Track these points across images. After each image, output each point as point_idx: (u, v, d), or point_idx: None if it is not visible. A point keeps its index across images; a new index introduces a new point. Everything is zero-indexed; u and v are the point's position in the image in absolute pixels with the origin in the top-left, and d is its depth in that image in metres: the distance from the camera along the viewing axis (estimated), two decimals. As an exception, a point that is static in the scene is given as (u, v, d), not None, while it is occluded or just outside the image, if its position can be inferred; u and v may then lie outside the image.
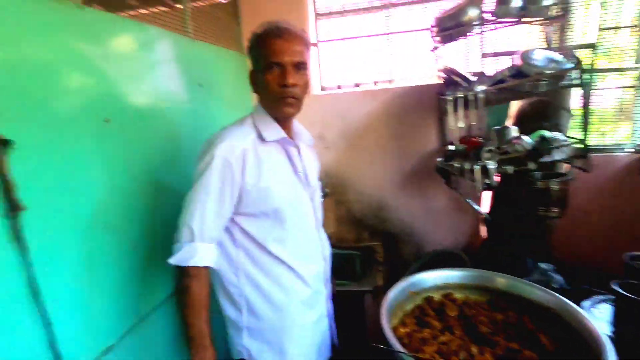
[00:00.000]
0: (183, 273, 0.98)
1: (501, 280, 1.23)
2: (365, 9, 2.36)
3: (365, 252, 2.54)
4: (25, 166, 0.91)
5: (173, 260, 0.98)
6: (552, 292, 1.12)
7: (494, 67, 2.15)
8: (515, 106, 2.20)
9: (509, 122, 2.26)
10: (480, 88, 1.74)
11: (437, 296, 1.25)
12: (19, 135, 0.90)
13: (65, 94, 1.06)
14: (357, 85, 2.50)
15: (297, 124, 1.22)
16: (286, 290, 1.11)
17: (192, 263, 0.97)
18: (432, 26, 1.96)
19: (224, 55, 2.01)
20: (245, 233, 1.07)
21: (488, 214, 2.11)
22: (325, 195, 2.58)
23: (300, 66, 1.03)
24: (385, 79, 2.47)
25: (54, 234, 0.99)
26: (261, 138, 1.06)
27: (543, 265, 1.78)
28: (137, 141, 1.32)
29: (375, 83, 2.49)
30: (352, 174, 2.54)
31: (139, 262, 1.29)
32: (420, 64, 2.36)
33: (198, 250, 0.98)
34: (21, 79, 0.93)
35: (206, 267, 1.00)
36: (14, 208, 0.89)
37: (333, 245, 2.53)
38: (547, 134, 1.84)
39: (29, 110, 0.94)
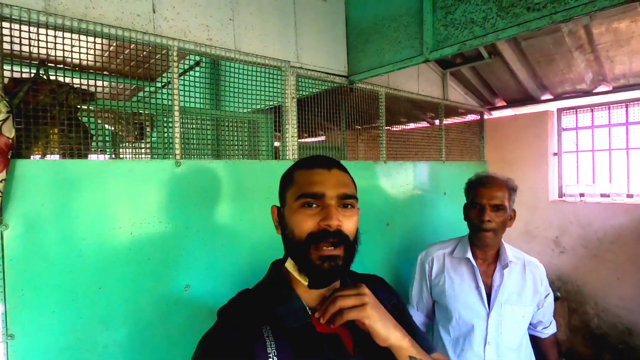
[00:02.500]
0: None
1: None
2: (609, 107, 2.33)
3: (603, 377, 2.30)
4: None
5: None
6: None
7: None
8: None
9: None
10: None
11: None
12: (352, 235, 1.80)
13: (369, 210, 1.94)
14: (604, 196, 2.42)
15: (506, 248, 1.47)
16: None
17: None
18: None
19: (466, 167, 2.59)
20: (437, 313, 1.54)
21: None
22: (556, 299, 2.56)
23: (499, 208, 1.37)
24: (644, 193, 2.28)
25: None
26: (451, 252, 1.51)
27: None
28: (400, 232, 2.08)
29: (629, 196, 2.33)
30: (592, 285, 2.41)
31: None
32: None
33: (411, 312, 1.55)
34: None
35: None
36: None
37: (561, 354, 2.47)
38: None
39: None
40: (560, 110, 2.62)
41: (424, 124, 2.58)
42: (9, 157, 0.96)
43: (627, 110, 2.34)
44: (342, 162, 1.98)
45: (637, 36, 1.85)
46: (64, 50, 1.09)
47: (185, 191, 1.30)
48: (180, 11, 1.32)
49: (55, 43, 1.06)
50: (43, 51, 1.04)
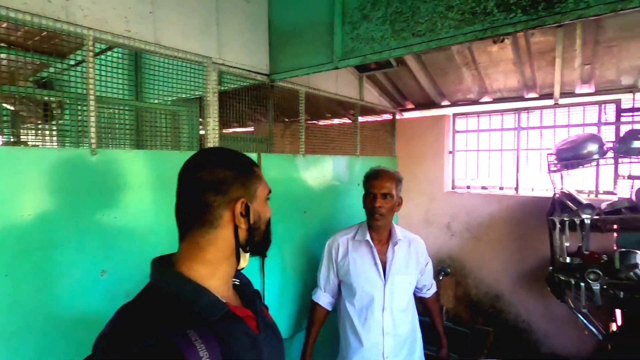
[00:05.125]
0: (311, 303, 1.82)
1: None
2: (498, 113, 2.85)
3: (477, 334, 2.83)
4: (271, 237, 1.97)
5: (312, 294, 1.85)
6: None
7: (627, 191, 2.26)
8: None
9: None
10: (586, 216, 1.99)
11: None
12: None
13: (288, 200, 2.12)
14: (484, 188, 2.95)
15: (395, 229, 1.76)
16: (348, 339, 1.73)
17: (314, 298, 1.82)
18: (550, 154, 2.30)
19: (378, 162, 2.91)
20: (343, 291, 1.79)
21: (614, 332, 2.15)
22: (446, 274, 3.04)
23: (387, 195, 1.63)
24: (510, 186, 2.84)
25: (274, 270, 2.01)
26: (353, 237, 1.77)
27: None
28: (317, 220, 2.31)
29: (500, 188, 2.88)
30: (473, 262, 2.93)
31: (306, 289, 2.22)
32: (545, 177, 2.63)
33: (318, 293, 1.81)
34: (277, 194, 2.01)
35: (321, 305, 1.79)
36: (263, 256, 1.94)
37: (448, 319, 2.93)
38: (669, 268, 1.87)
39: (274, 210, 2.01)
40: (455, 115, 3.08)
41: (342, 121, 2.83)
42: None
43: (502, 119, 2.86)
44: (266, 155, 2.12)
45: (505, 60, 2.29)
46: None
47: (101, 180, 1.33)
48: (96, 1, 1.33)
49: (-48, 24, 1.02)
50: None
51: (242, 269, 0.80)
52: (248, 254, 0.78)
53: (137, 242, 1.43)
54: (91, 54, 1.30)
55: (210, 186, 0.71)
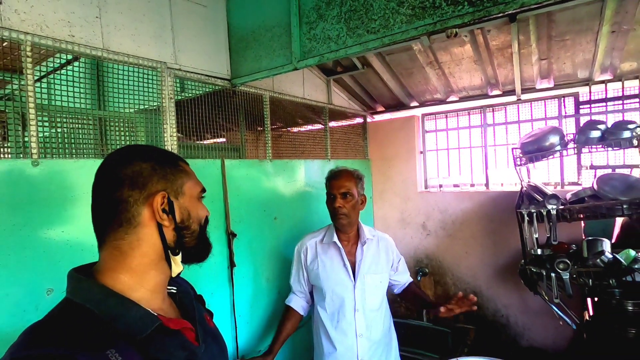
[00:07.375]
0: (284, 307, 1.77)
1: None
2: (464, 113, 2.90)
3: (458, 332, 2.81)
4: (238, 244, 1.90)
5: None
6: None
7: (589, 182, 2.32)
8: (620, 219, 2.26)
9: (615, 234, 2.32)
10: (551, 206, 2.02)
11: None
12: (238, 230, 1.90)
13: (257, 206, 2.07)
14: (456, 186, 2.97)
15: (363, 228, 1.73)
16: (321, 345, 1.67)
17: (286, 302, 1.77)
18: (515, 148, 2.34)
19: (351, 164, 2.88)
20: (314, 296, 1.75)
21: (587, 321, 2.17)
22: (424, 274, 3.03)
23: (347, 195, 1.61)
24: (481, 182, 2.87)
25: (245, 280, 1.95)
26: (322, 240, 1.74)
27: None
28: (288, 225, 2.26)
29: (471, 185, 2.91)
30: (449, 260, 2.93)
31: (279, 297, 2.15)
32: (512, 172, 2.67)
33: (291, 296, 1.77)
34: (244, 201, 1.96)
35: (293, 308, 1.74)
36: (231, 265, 1.87)
37: (429, 320, 2.90)
38: (633, 252, 1.91)
39: (242, 218, 1.96)
40: (423, 116, 3.11)
41: (313, 125, 2.81)
42: None
43: (469, 117, 2.91)
44: (230, 160, 2.06)
45: (466, 58, 2.33)
46: None
47: (45, 192, 1.25)
48: (34, 4, 1.27)
49: None
50: None
51: (178, 275, 0.72)
52: (179, 257, 0.70)
53: (88, 257, 1.34)
54: (29, 59, 1.23)
55: (125, 181, 0.64)
